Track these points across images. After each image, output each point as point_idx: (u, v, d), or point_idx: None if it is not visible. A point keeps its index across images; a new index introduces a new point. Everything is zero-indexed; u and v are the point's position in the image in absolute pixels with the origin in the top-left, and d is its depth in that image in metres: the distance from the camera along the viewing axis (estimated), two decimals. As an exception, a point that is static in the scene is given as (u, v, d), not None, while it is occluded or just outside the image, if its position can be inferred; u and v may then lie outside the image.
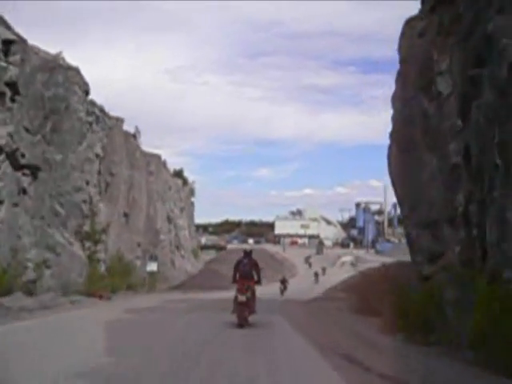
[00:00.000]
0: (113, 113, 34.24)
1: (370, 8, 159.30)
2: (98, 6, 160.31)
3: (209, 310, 17.15)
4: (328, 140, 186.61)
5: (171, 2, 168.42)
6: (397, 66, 13.41)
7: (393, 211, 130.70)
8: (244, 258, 13.92)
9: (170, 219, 57.74)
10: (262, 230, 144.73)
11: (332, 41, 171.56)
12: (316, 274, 49.55)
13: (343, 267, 69.40)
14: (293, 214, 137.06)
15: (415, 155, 11.64)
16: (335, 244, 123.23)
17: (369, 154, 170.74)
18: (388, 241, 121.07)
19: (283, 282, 32.22)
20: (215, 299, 24.20)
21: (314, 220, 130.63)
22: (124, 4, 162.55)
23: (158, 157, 53.69)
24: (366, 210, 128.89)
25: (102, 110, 32.31)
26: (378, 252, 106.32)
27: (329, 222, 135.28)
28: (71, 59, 25.24)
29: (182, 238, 63.37)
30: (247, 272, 13.57)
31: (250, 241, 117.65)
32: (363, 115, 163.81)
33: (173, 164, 75.37)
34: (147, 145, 47.69)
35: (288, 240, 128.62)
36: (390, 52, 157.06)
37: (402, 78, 13.26)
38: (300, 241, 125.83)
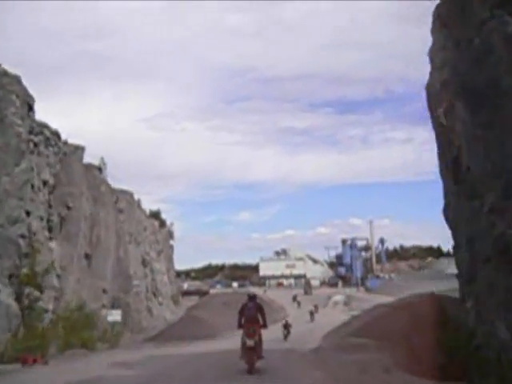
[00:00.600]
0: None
1: (343, 50, 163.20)
2: (71, 57, 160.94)
3: (185, 381, 11.67)
4: (307, 181, 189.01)
5: (148, 51, 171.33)
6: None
7: (380, 246, 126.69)
8: (248, 302, 14.00)
9: (145, 263, 52.34)
10: (245, 273, 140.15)
11: (307, 83, 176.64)
12: (311, 313, 45.67)
13: (336, 307, 64.32)
14: (277, 253, 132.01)
15: (497, 115, 7.20)
16: (323, 283, 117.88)
17: (347, 193, 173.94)
18: (377, 277, 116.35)
19: (286, 326, 29.81)
20: (197, 354, 18.92)
21: (300, 259, 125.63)
22: (98, 53, 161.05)
23: (129, 194, 48.68)
24: (353, 246, 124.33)
25: (56, 133, 27.68)
26: (368, 289, 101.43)
27: (315, 261, 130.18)
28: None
29: (160, 284, 57.76)
30: (253, 316, 13.54)
31: (234, 284, 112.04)
32: (340, 155, 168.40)
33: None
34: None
35: (273, 282, 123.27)
36: (364, 92, 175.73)
37: (450, 11, 8.95)
38: (285, 282, 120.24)
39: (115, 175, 51.11)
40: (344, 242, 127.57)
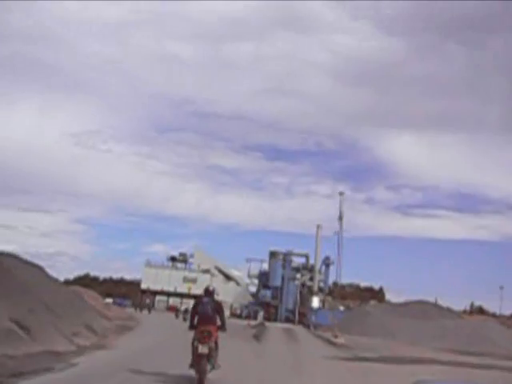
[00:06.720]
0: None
1: (281, 97, 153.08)
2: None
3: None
4: (226, 222, 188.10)
5: (83, 64, 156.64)
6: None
7: (323, 269, 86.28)
8: (204, 296, 11.74)
9: None
10: (129, 290, 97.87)
11: (242, 124, 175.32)
12: None
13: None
14: (173, 259, 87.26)
15: None
16: (233, 313, 75.40)
17: (264, 239, 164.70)
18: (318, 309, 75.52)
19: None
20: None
21: (206, 272, 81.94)
22: (31, 57, 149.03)
23: None
24: (287, 262, 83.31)
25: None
26: (311, 325, 60.91)
27: (228, 277, 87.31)
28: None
29: None
30: (208, 315, 11.42)
31: (108, 300, 66.88)
32: (263, 201, 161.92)
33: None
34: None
35: (162, 302, 80.00)
36: (295, 141, 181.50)
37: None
38: (182, 306, 75.31)
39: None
40: (273, 254, 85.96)
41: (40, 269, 20.48)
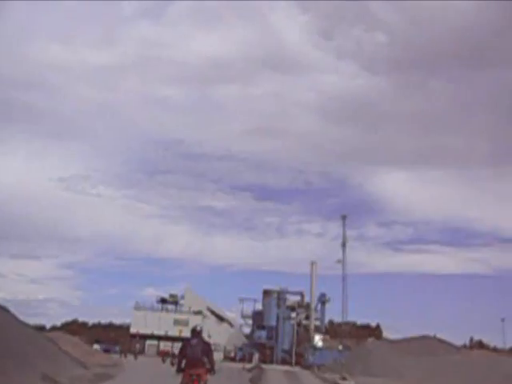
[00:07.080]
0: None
1: (269, 137, 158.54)
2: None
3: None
4: (218, 263, 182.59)
5: (73, 110, 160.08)
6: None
7: (319, 306, 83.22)
8: (193, 338, 10.85)
9: None
10: (118, 335, 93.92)
11: (231, 165, 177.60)
12: None
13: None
14: (163, 301, 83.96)
15: None
16: (227, 356, 72.19)
17: (256, 278, 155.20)
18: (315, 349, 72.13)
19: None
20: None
21: (198, 313, 78.76)
22: (15, 108, 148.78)
23: None
24: (281, 301, 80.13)
25: None
26: (315, 367, 57.73)
27: (221, 319, 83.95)
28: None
29: None
30: (197, 357, 10.64)
31: (96, 346, 63.76)
32: (254, 241, 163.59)
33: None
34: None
35: (153, 347, 76.61)
36: (284, 181, 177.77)
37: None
38: (173, 349, 71.77)
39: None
40: (267, 293, 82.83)
41: (5, 311, 17.91)
